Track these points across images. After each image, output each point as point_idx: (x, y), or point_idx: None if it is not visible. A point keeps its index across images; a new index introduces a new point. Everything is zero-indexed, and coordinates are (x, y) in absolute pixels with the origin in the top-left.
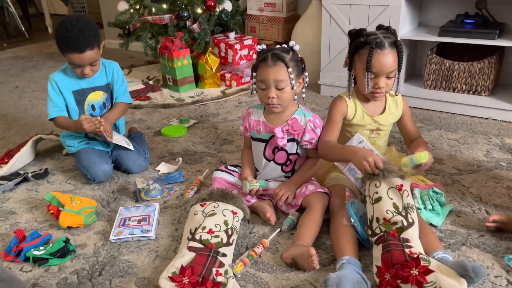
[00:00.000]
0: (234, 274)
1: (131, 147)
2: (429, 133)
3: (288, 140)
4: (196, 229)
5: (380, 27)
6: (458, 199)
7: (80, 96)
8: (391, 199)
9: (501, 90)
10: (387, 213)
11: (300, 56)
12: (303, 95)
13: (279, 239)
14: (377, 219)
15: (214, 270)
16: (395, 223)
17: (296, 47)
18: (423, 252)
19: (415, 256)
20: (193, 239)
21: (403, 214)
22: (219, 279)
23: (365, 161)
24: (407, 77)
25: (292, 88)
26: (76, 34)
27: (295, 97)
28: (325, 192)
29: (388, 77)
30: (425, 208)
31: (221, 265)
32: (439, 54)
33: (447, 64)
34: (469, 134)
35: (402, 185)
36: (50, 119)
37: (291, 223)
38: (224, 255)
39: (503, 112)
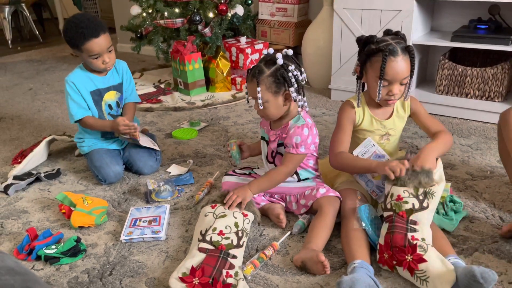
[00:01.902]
0: (244, 276)
1: (157, 147)
2: None
3: (279, 144)
4: (206, 231)
5: (388, 32)
6: (471, 205)
7: (97, 96)
8: (416, 187)
9: None
10: (404, 192)
11: (289, 67)
12: (299, 109)
13: (289, 242)
14: (392, 195)
15: (224, 271)
16: (406, 202)
17: (279, 61)
18: (428, 237)
19: (414, 243)
20: (203, 240)
21: (421, 198)
22: (229, 280)
23: (387, 168)
24: (419, 83)
25: (262, 105)
26: (86, 23)
27: (299, 108)
28: (336, 196)
29: (401, 84)
30: (437, 213)
31: (231, 266)
32: (451, 59)
33: (460, 70)
34: (482, 140)
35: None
36: (76, 121)
37: (302, 226)
38: (234, 256)
39: None
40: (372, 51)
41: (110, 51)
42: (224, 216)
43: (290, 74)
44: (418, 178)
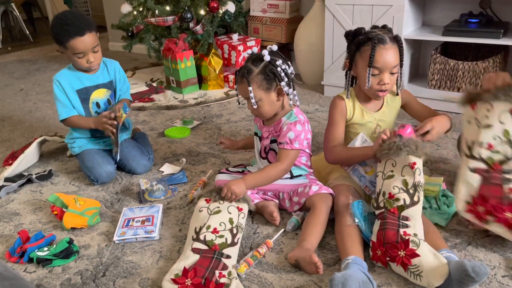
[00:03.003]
0: (238, 275)
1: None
2: None
3: (272, 141)
4: (201, 228)
5: (375, 27)
6: None
7: (84, 94)
8: (403, 176)
9: None
10: (394, 188)
11: (277, 62)
12: (290, 102)
13: (283, 240)
14: (383, 193)
15: (217, 272)
16: (398, 199)
17: (266, 57)
18: (420, 232)
19: (406, 238)
20: (197, 239)
21: (411, 192)
22: (222, 280)
23: (380, 138)
24: (411, 77)
25: (256, 104)
26: (72, 21)
27: (290, 102)
28: (329, 193)
29: (391, 73)
30: (430, 207)
31: (225, 267)
32: (443, 53)
33: (452, 64)
34: None
35: (414, 163)
36: (61, 120)
37: (296, 223)
38: (228, 256)
39: None
40: (361, 40)
41: (95, 51)
42: (219, 212)
43: (279, 68)
44: (415, 143)
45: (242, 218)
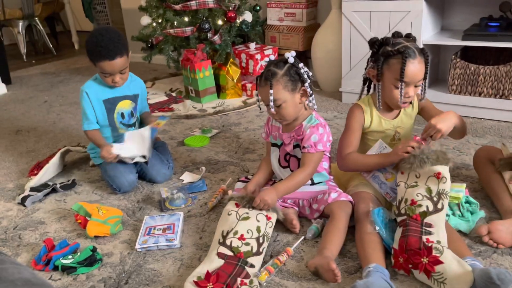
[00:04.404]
0: (259, 283)
1: (145, 155)
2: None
3: (295, 146)
4: (228, 233)
5: (398, 35)
6: (488, 205)
7: (111, 104)
8: (427, 185)
9: None
10: (417, 196)
11: (299, 65)
12: (310, 104)
13: (303, 247)
14: (406, 200)
15: (239, 279)
16: (420, 205)
17: (291, 59)
18: (443, 240)
19: (429, 245)
20: (223, 244)
21: (435, 199)
22: (244, 287)
23: (400, 148)
24: (431, 83)
25: (275, 106)
26: (106, 43)
27: (310, 104)
28: (348, 200)
29: (416, 86)
30: (453, 214)
31: (247, 276)
32: (463, 58)
33: (472, 68)
34: (497, 139)
35: (439, 173)
36: (84, 131)
37: (316, 231)
38: (252, 266)
39: None
40: (390, 53)
41: (123, 73)
42: (247, 218)
43: (302, 70)
44: (435, 153)
45: (270, 227)
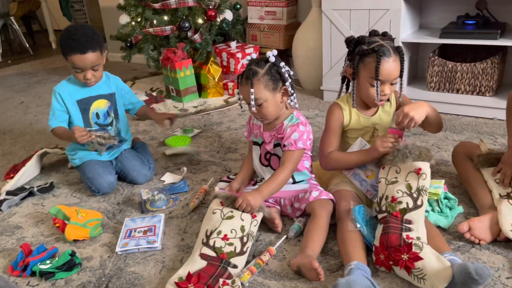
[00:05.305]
0: (241, 283)
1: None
2: (434, 135)
3: (276, 145)
4: (212, 232)
5: (374, 33)
6: (466, 200)
7: (85, 105)
8: (407, 181)
9: (505, 90)
10: (397, 192)
11: (280, 64)
12: (291, 103)
13: (286, 246)
14: (386, 197)
15: (221, 280)
16: (400, 202)
17: (272, 58)
18: (423, 236)
19: (409, 242)
20: (207, 244)
21: (414, 195)
22: None
23: (380, 144)
24: (410, 80)
25: (256, 105)
26: (78, 36)
27: (291, 103)
28: (329, 198)
29: (391, 84)
30: (433, 210)
31: (230, 276)
32: (441, 56)
33: (450, 66)
34: (475, 135)
35: (420, 169)
36: (51, 130)
37: (298, 230)
38: (235, 266)
39: None
40: (365, 51)
41: (95, 70)
42: (232, 217)
43: (283, 69)
44: (419, 149)
45: (255, 226)
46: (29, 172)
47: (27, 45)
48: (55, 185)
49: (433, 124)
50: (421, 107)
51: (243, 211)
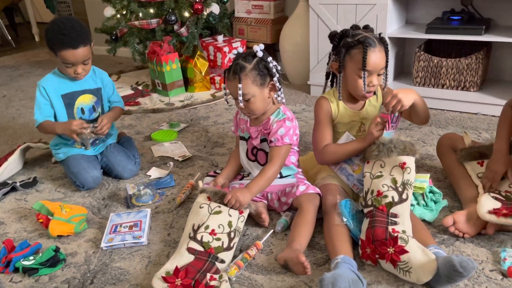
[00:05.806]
0: (228, 278)
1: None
2: (419, 129)
3: (262, 140)
4: (199, 227)
5: (356, 27)
6: (451, 194)
7: (69, 99)
8: (392, 175)
9: (489, 85)
10: (383, 186)
11: (268, 58)
12: (278, 98)
13: (272, 241)
14: (372, 191)
15: (208, 275)
16: (386, 196)
17: (259, 53)
18: (408, 229)
19: (395, 235)
20: (194, 238)
21: (400, 189)
22: (212, 283)
23: (374, 127)
24: (396, 75)
25: (244, 101)
26: (69, 31)
27: (278, 98)
28: (316, 192)
29: (378, 74)
30: (418, 204)
31: (217, 271)
32: (427, 51)
33: (435, 61)
34: (459, 129)
35: (404, 163)
36: (37, 127)
37: (285, 224)
38: (222, 261)
39: (492, 107)
40: (351, 43)
41: (86, 64)
42: (219, 212)
43: (271, 64)
44: (403, 143)
45: (242, 222)
46: (11, 167)
47: (10, 38)
48: (39, 180)
49: (420, 114)
50: (410, 92)
51: (231, 207)
